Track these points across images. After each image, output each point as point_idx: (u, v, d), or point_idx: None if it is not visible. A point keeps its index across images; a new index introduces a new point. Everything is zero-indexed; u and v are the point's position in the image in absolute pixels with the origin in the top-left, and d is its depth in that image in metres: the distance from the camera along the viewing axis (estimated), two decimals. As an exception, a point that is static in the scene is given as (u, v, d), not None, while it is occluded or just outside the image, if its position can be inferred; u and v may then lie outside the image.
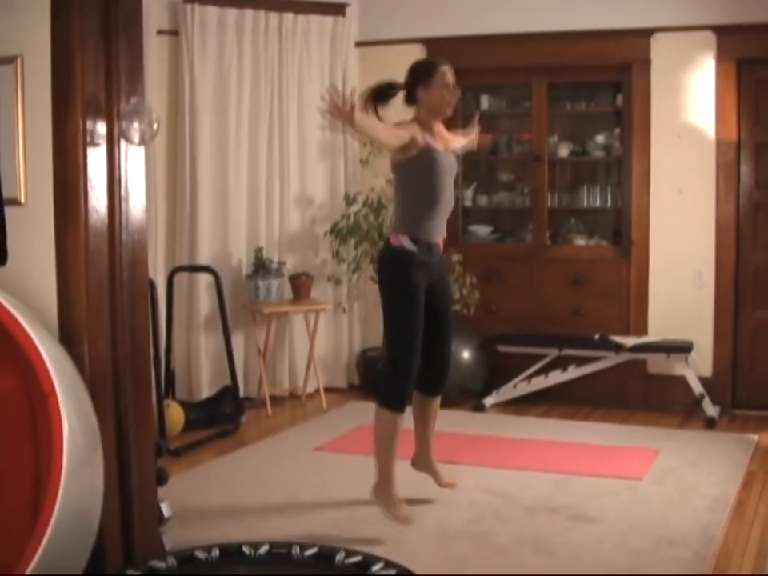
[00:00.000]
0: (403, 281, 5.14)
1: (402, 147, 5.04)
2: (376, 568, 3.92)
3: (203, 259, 7.84)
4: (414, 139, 5.06)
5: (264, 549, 4.15)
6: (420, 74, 5.25)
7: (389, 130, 5.05)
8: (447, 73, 5.25)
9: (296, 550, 4.10)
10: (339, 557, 4.03)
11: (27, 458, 3.49)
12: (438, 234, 5.28)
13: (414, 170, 5.15)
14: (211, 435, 7.06)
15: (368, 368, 8.29)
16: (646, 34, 7.76)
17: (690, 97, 7.73)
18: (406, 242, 5.13)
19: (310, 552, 4.09)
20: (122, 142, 4.04)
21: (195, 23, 7.81)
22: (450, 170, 5.29)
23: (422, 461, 5.68)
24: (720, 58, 7.59)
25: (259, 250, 7.93)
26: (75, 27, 3.90)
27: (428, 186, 5.16)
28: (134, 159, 4.11)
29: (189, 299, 7.91)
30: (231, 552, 4.13)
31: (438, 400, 5.59)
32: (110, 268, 4.01)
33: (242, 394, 7.72)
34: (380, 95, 5.28)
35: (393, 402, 5.17)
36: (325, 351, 8.48)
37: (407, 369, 5.15)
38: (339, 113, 4.70)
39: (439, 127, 5.37)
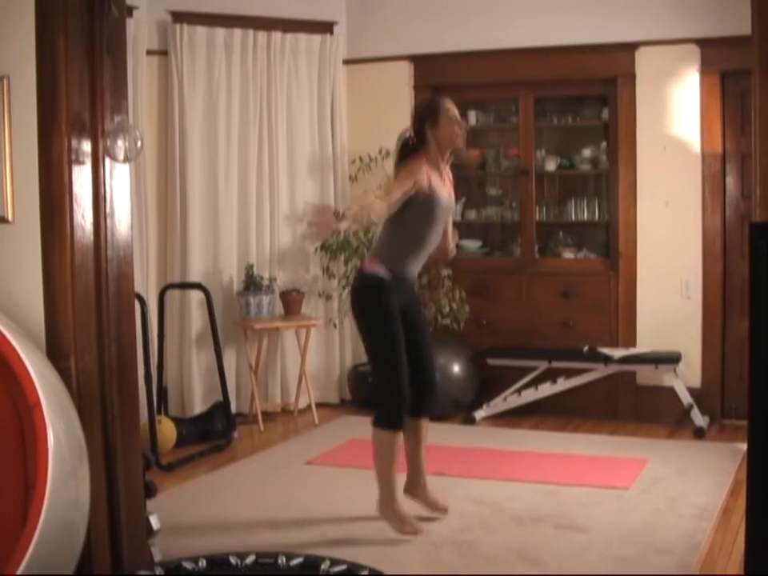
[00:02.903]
0: (378, 305, 5.19)
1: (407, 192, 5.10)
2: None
3: (194, 276, 7.90)
4: (417, 184, 5.10)
5: (250, 559, 4.20)
6: (426, 113, 5.30)
7: (388, 194, 5.05)
8: (452, 106, 5.31)
9: (282, 560, 4.16)
10: (324, 566, 4.08)
11: (17, 469, 3.54)
12: (415, 270, 5.39)
13: (413, 212, 5.17)
14: (203, 450, 7.10)
15: (360, 383, 8.33)
16: (630, 47, 7.84)
17: (675, 109, 7.80)
18: (379, 271, 5.19)
19: (295, 562, 4.14)
20: (107, 160, 4.09)
21: (184, 43, 7.88)
22: (446, 215, 5.37)
23: (413, 487, 5.61)
24: (704, 71, 7.66)
25: (250, 267, 7.99)
26: (60, 47, 3.96)
27: (420, 230, 5.23)
28: (118, 176, 4.17)
29: (180, 316, 7.96)
30: (218, 562, 4.18)
31: (427, 423, 5.57)
32: (96, 283, 4.06)
33: (234, 409, 7.77)
34: (404, 154, 5.34)
35: (391, 422, 5.20)
36: (316, 366, 8.52)
37: (400, 387, 5.18)
38: (325, 227, 5.12)
39: (447, 170, 5.43)
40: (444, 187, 5.33)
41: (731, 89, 7.65)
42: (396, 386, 5.18)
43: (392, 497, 5.32)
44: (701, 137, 7.72)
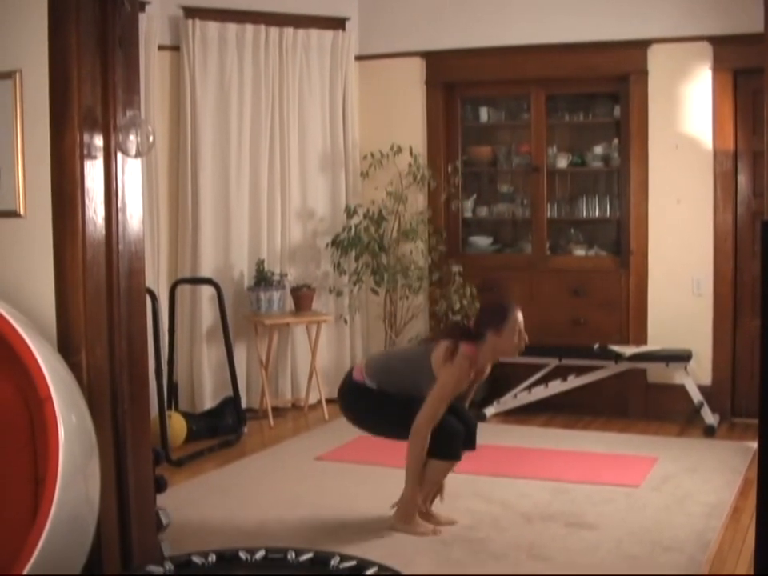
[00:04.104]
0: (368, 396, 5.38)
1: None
2: (370, 572, 3.96)
3: (205, 272, 7.91)
4: (460, 386, 5.24)
5: (260, 554, 4.17)
6: (493, 317, 5.26)
7: (426, 431, 5.17)
8: (520, 317, 5.28)
9: (291, 555, 4.13)
10: (334, 561, 4.06)
11: (27, 463, 3.55)
12: None
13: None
14: (213, 446, 7.11)
15: (370, 379, 8.32)
16: (643, 45, 7.82)
17: (687, 107, 7.78)
18: (368, 382, 5.35)
19: (304, 557, 4.12)
20: (119, 155, 4.09)
21: (196, 38, 7.88)
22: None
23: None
24: (716, 69, 7.64)
25: (261, 263, 7.99)
26: (72, 42, 3.95)
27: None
28: (130, 171, 4.17)
29: (191, 311, 7.97)
30: (228, 557, 4.16)
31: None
32: (108, 278, 4.07)
33: (244, 405, 7.78)
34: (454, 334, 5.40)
35: (451, 455, 5.32)
36: (327, 362, 8.52)
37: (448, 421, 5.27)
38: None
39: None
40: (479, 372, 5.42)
41: (743, 87, 7.63)
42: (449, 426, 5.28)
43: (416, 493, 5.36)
44: (713, 135, 7.71)
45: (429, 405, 5.18)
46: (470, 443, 5.47)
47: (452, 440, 5.28)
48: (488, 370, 5.50)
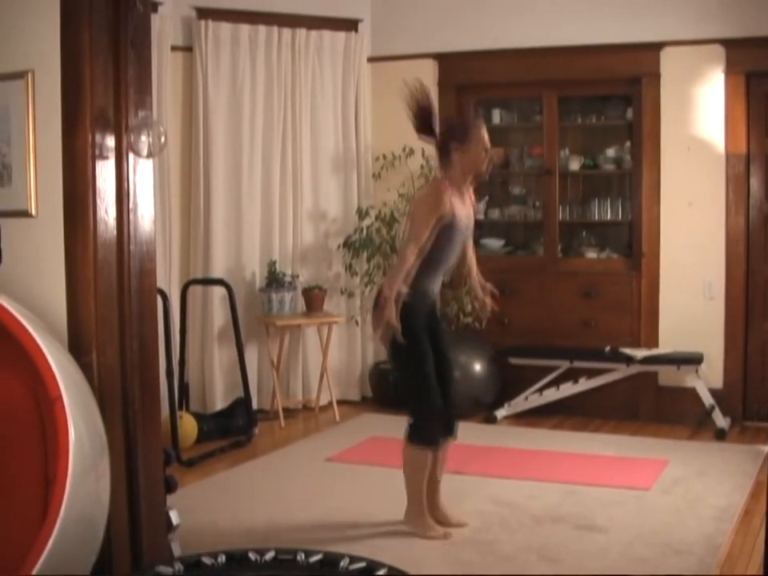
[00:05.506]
0: (405, 326, 5.11)
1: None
2: (380, 574, 3.95)
3: (217, 272, 7.91)
4: (441, 216, 5.09)
5: (270, 555, 4.18)
6: (455, 134, 5.18)
7: (410, 255, 5.09)
8: (483, 130, 5.21)
9: (301, 557, 4.14)
10: (344, 563, 4.06)
11: (37, 462, 3.55)
12: (436, 289, 5.37)
13: (432, 238, 5.16)
14: (224, 446, 7.12)
15: (381, 380, 8.32)
16: (655, 47, 7.81)
17: (700, 110, 7.76)
18: (402, 291, 5.13)
19: (314, 558, 4.12)
20: (131, 155, 4.09)
21: (209, 39, 7.89)
22: (466, 236, 5.35)
23: (429, 504, 5.44)
24: (729, 72, 7.63)
25: (272, 264, 8.00)
26: (84, 42, 3.96)
27: (441, 255, 5.21)
28: (142, 172, 4.17)
29: (203, 312, 7.98)
30: (237, 558, 4.16)
31: (446, 444, 5.47)
32: (119, 278, 4.07)
33: (255, 406, 7.79)
34: (423, 129, 5.25)
35: (427, 439, 5.20)
36: (338, 364, 8.53)
37: (434, 403, 5.18)
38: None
39: (469, 189, 5.37)
40: (464, 208, 5.28)
41: (756, 90, 7.62)
42: (430, 403, 5.18)
43: (421, 508, 5.31)
44: (725, 137, 7.69)
45: (404, 245, 5.21)
46: (447, 430, 5.42)
47: (428, 424, 5.20)
48: (472, 198, 5.44)
